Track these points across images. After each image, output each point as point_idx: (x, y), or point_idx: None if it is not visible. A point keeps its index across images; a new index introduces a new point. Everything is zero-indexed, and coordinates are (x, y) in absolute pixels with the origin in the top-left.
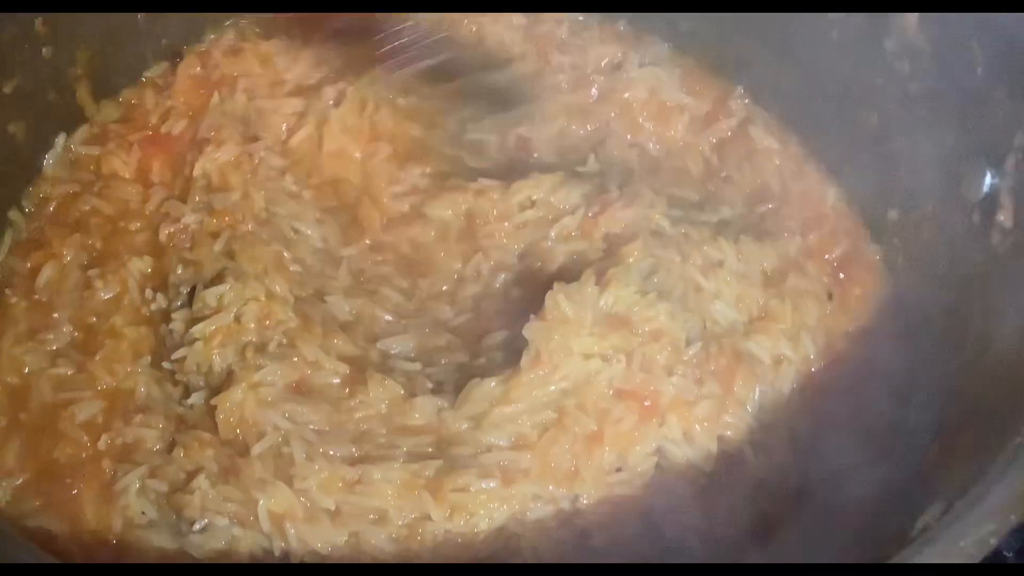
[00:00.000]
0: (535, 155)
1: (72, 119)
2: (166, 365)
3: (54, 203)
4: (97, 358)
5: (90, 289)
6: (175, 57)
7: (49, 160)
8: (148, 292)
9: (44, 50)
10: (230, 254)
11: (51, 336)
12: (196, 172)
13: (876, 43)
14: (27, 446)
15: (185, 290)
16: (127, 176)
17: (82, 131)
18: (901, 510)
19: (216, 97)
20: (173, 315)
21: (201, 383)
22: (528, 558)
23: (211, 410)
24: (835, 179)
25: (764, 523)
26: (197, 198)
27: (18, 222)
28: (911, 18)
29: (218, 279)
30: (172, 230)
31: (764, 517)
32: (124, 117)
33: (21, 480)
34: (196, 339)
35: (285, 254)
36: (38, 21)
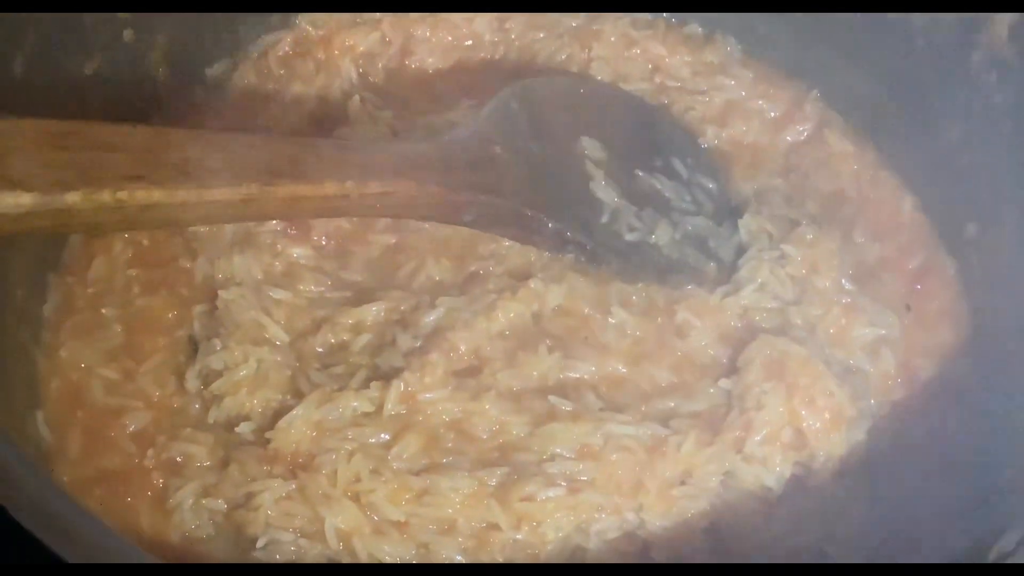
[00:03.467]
0: None
1: (148, 108)
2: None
3: None
4: (143, 369)
5: (130, 293)
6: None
7: None
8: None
9: (125, 32)
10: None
11: (102, 334)
12: None
13: (963, 54)
14: (84, 446)
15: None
16: None
17: (154, 123)
18: (976, 535)
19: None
20: (186, 375)
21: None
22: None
23: (265, 439)
24: (912, 189)
25: (831, 543)
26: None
27: None
28: (1001, 30)
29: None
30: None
31: (832, 537)
32: (181, 116)
33: (83, 476)
34: (218, 396)
35: (271, 294)
36: None
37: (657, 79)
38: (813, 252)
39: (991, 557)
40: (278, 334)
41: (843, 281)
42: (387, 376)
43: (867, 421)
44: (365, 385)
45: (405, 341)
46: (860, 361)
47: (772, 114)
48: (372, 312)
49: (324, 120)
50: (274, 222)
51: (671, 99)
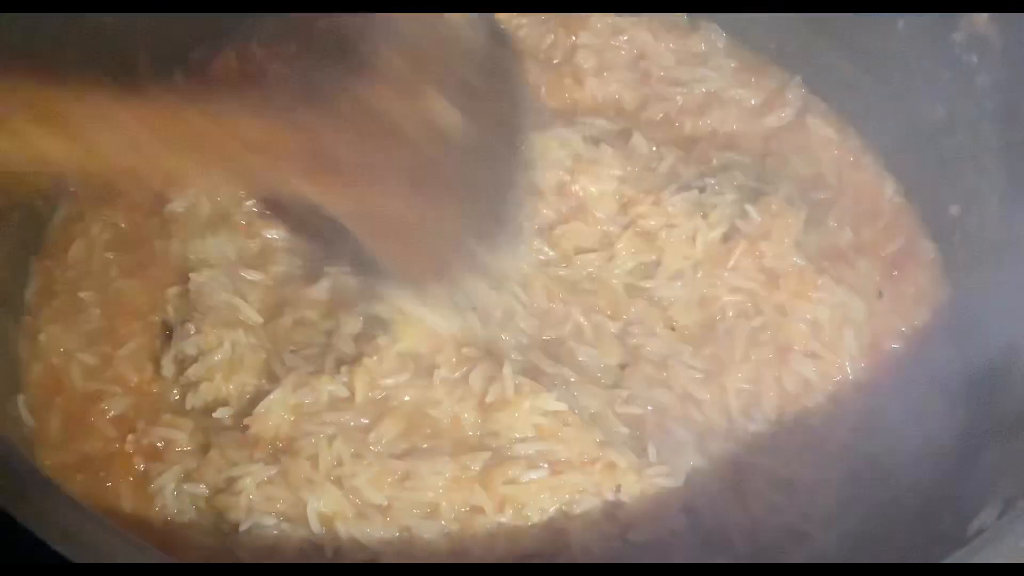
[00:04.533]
0: None
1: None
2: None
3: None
4: (120, 354)
5: (108, 276)
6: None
7: None
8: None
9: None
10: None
11: (81, 317)
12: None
13: (944, 34)
14: (65, 430)
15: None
16: None
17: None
18: (954, 511)
19: None
20: (162, 361)
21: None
22: (576, 553)
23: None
24: (894, 172)
25: (810, 522)
26: None
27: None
28: None
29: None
30: None
31: (807, 516)
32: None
33: (64, 460)
34: (194, 382)
35: (245, 275)
36: None
37: (641, 66)
38: (772, 221)
39: (969, 532)
40: (251, 315)
41: (795, 259)
42: (352, 359)
43: (841, 403)
44: (337, 369)
45: (349, 324)
46: (827, 344)
47: (752, 102)
48: (324, 288)
49: None
50: (250, 202)
51: (652, 92)
